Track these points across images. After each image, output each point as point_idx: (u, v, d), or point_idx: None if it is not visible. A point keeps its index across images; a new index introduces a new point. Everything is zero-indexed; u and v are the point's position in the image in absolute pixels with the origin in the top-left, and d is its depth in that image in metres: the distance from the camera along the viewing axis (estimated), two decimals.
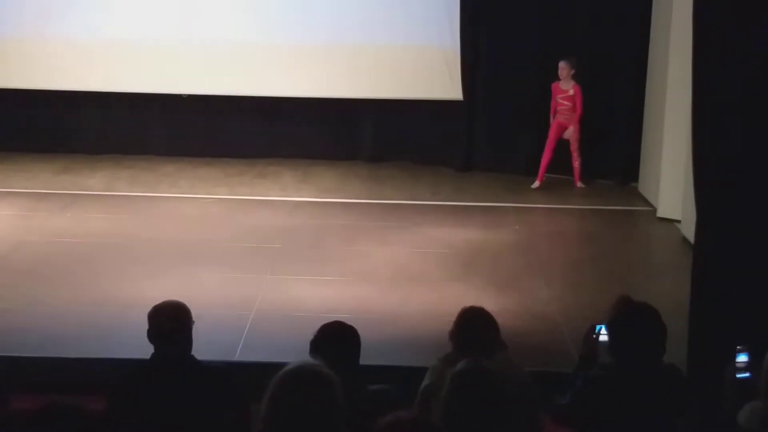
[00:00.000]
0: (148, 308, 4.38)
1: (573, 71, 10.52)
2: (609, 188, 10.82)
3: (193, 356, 4.30)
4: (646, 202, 10.19)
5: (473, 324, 4.43)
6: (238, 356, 6.26)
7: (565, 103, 10.58)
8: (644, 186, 10.51)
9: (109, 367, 5.64)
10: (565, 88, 10.58)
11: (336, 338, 4.21)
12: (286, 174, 11.09)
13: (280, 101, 11.51)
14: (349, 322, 4.41)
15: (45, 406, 2.85)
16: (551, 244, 9.12)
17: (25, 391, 4.51)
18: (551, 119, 10.73)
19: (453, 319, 4.49)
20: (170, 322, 4.20)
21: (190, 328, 4.30)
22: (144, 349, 5.10)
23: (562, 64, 10.52)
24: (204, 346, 4.52)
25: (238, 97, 11.57)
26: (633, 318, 4.17)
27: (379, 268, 8.11)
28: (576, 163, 10.74)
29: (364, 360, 4.37)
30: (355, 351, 4.26)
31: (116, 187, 10.50)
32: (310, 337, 4.30)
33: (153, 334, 4.22)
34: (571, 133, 10.62)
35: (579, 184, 10.78)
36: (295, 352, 4.91)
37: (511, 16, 11.13)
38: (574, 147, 10.68)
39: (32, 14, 11.48)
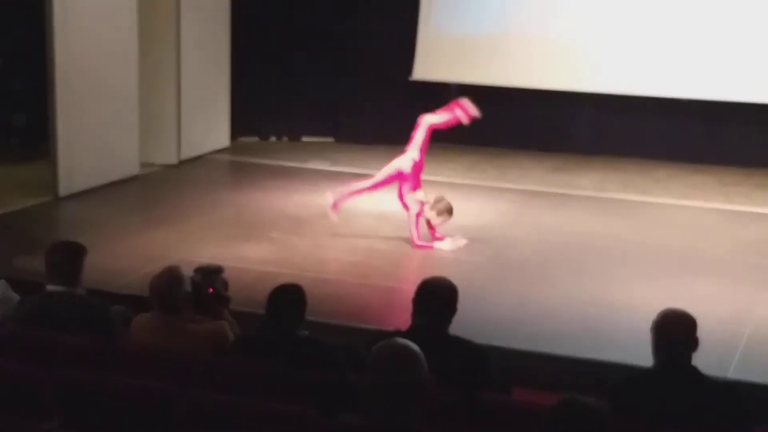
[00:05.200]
0: (639, 313, 4.21)
1: None
2: None
3: (695, 368, 4.09)
4: None
5: None
6: (731, 374, 5.92)
7: None
8: None
9: (600, 369, 5.59)
10: None
11: None
12: None
13: None
14: None
15: (563, 402, 2.82)
16: None
17: (522, 384, 4.58)
18: None
19: None
20: (680, 333, 4.02)
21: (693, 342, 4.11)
22: (632, 353, 4.98)
23: None
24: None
25: (739, 104, 11.05)
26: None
27: None
28: None
29: None
30: None
31: (607, 188, 10.48)
32: None
33: (659, 346, 4.06)
34: None
35: None
36: None
37: None
38: None
39: (536, 10, 11.78)
